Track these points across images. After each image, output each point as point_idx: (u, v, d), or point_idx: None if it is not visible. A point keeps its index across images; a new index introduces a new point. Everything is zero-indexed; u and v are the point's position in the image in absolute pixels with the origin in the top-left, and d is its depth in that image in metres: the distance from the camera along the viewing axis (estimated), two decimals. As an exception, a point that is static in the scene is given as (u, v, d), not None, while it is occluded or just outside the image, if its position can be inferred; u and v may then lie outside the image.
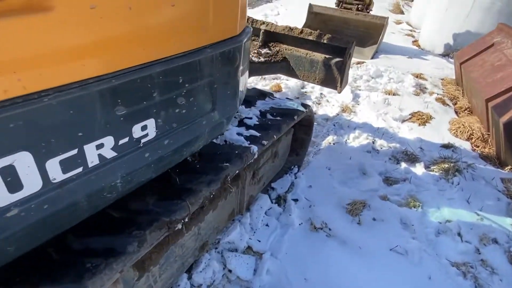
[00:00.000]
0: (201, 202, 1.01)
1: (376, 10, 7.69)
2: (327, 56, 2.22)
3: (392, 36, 5.65)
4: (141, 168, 0.75)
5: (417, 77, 3.77)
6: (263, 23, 2.42)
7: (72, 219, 0.67)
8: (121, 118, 0.63)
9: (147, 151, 0.73)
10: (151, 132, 0.71)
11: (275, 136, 1.43)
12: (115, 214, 0.85)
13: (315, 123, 2.77)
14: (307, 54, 2.27)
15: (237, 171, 1.20)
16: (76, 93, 0.54)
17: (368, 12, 4.69)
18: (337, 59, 2.18)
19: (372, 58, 4.25)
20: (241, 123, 1.44)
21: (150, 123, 0.70)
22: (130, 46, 0.59)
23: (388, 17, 4.35)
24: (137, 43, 0.59)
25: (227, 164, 1.15)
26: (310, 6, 4.83)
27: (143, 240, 0.82)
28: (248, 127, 1.42)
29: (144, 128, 0.69)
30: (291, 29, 2.31)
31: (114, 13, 0.55)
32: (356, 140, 2.51)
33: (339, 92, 2.34)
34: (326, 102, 3.20)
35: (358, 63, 4.08)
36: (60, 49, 0.50)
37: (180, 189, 0.99)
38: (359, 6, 4.54)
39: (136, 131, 0.67)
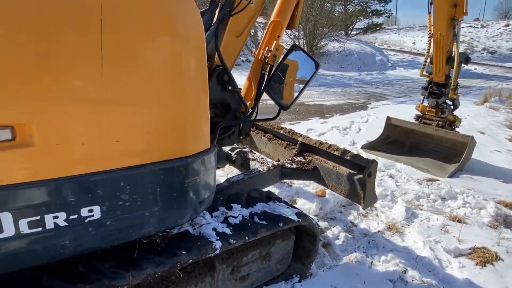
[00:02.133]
0: (144, 277, 1.27)
1: (486, 124, 7.02)
2: (351, 171, 2.32)
3: (496, 155, 5.00)
4: (88, 237, 1.10)
5: (505, 206, 3.19)
6: (301, 135, 2.77)
7: (33, 260, 1.05)
8: (73, 202, 1.03)
9: (91, 226, 1.09)
10: (96, 214, 1.08)
11: (247, 238, 1.60)
12: (78, 268, 1.20)
13: (350, 236, 2.70)
14: (334, 166, 2.43)
15: (190, 261, 1.41)
16: (46, 186, 0.98)
17: (453, 129, 4.43)
18: (359, 176, 2.25)
19: (450, 176, 3.86)
20: (224, 220, 1.69)
21: (96, 208, 1.07)
22: (81, 165, 1.02)
23: (472, 136, 4.02)
24: (85, 163, 1.02)
25: (184, 252, 1.39)
26: (388, 118, 4.94)
27: (80, 292, 1.12)
28: (227, 225, 1.65)
29: (90, 211, 1.07)
30: (321, 143, 2.56)
31: (70, 149, 0.99)
32: (384, 264, 2.28)
33: (364, 209, 2.34)
34: (375, 216, 3.04)
35: (430, 180, 3.77)
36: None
37: (132, 262, 1.28)
38: (440, 122, 4.38)
39: (84, 212, 1.06)
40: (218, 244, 1.50)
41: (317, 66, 1.78)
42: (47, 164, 0.96)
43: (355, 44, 22.56)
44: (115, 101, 1.03)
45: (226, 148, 2.83)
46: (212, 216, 1.70)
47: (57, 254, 1.09)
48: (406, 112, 6.28)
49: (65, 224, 1.04)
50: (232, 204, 1.83)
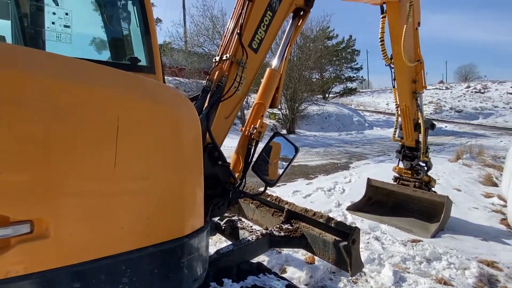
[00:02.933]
0: None
1: (461, 181, 7.40)
2: (336, 238, 2.43)
3: (474, 212, 5.23)
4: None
5: (487, 265, 3.29)
6: (287, 203, 2.91)
7: None
8: (81, 277, 1.10)
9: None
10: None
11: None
12: None
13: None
14: (320, 234, 2.53)
15: None
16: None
17: (430, 189, 4.70)
18: (344, 243, 2.35)
19: (433, 236, 3.99)
20: (214, 294, 1.72)
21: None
22: (90, 252, 1.12)
23: (447, 196, 4.27)
24: (94, 250, 1.13)
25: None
26: (369, 180, 5.20)
27: None
28: (218, 300, 1.68)
29: None
30: (306, 210, 2.70)
31: (81, 238, 1.11)
32: (377, 334, 2.26)
33: (351, 276, 2.38)
34: (364, 282, 3.05)
35: (414, 241, 3.88)
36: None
37: None
38: (416, 183, 4.66)
39: None
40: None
41: (296, 150, 2.03)
42: (60, 253, 1.06)
43: (333, 106, 24.19)
44: (122, 193, 1.18)
45: (215, 218, 2.92)
46: (204, 293, 1.73)
47: None
48: (386, 171, 6.60)
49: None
50: (223, 279, 1.87)
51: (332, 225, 2.45)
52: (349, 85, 30.93)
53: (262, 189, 2.39)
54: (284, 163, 2.09)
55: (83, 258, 1.10)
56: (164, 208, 1.31)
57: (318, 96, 23.31)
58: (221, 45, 2.56)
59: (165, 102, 1.31)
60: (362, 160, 10.64)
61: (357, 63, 30.94)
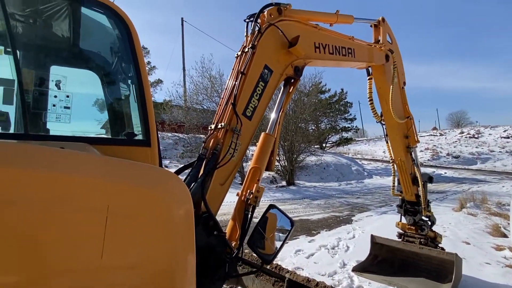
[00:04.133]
0: None
1: (469, 232, 7.15)
2: (342, 312, 2.25)
3: (486, 268, 4.96)
4: None
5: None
6: (288, 271, 2.76)
7: None
8: None
9: None
10: None
11: None
12: None
13: None
14: (324, 306, 2.35)
15: None
16: None
17: (437, 246, 4.51)
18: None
19: (447, 300, 3.72)
20: None
21: None
22: None
23: (456, 254, 4.08)
24: None
25: None
26: (373, 237, 5.01)
27: None
28: None
29: None
30: (309, 280, 2.55)
31: None
32: None
33: None
34: None
35: (427, 306, 3.60)
36: None
37: None
38: (422, 240, 4.49)
39: None
40: None
41: (292, 224, 1.99)
42: None
43: (331, 156, 24.40)
44: (110, 281, 1.12)
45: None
46: None
47: None
48: (390, 224, 6.39)
49: None
50: None
51: (337, 297, 2.29)
52: (345, 135, 31.68)
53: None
54: (281, 234, 2.03)
55: None
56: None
57: (315, 146, 23.67)
58: (216, 114, 2.66)
59: (156, 185, 1.30)
60: (364, 212, 10.39)
61: (350, 114, 32.09)
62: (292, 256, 5.61)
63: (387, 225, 7.18)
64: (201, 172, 2.38)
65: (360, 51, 3.71)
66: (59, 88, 1.83)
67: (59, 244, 1.04)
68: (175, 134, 20.64)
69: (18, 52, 1.64)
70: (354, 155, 32.20)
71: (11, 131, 1.75)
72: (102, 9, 1.74)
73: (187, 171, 2.55)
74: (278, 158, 18.41)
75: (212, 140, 2.49)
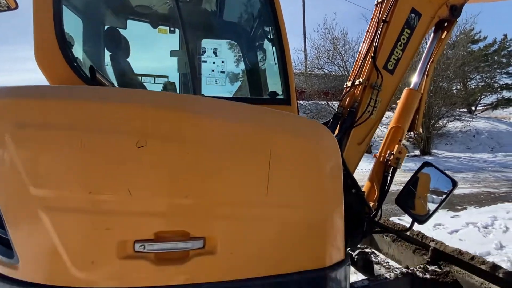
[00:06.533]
0: None
1: None
2: (507, 293, 1.94)
3: None
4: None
5: None
6: (433, 240, 2.53)
7: None
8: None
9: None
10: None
11: None
12: None
13: None
14: (482, 283, 2.10)
15: None
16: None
17: None
18: (521, 301, 1.86)
19: None
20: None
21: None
22: (246, 271, 1.25)
23: None
24: (249, 269, 1.26)
25: None
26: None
27: None
28: None
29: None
30: (461, 252, 2.28)
31: (238, 257, 1.25)
32: None
33: None
34: None
35: None
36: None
37: None
38: None
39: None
40: None
41: (454, 184, 1.75)
42: (222, 268, 1.24)
43: (483, 122, 19.93)
44: (273, 219, 1.29)
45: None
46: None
47: None
48: None
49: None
50: (361, 317, 1.75)
51: (501, 275, 1.96)
52: (506, 94, 24.91)
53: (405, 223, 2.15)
54: (435, 196, 1.84)
55: (240, 275, 1.25)
56: (309, 237, 1.35)
57: (461, 110, 19.69)
58: (353, 70, 2.52)
59: (310, 135, 1.38)
60: (533, 190, 8.24)
61: (516, 67, 24.78)
62: (430, 229, 5.06)
63: None
64: (337, 131, 2.36)
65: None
66: (216, 55, 2.12)
67: (236, 178, 1.25)
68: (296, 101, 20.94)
69: (182, 29, 1.92)
70: (519, 120, 25.22)
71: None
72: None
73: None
74: (410, 124, 16.31)
75: (348, 98, 2.40)
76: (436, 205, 1.80)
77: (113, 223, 1.14)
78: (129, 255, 1.16)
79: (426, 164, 1.94)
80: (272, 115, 1.35)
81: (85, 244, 1.14)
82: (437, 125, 16.75)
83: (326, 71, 18.23)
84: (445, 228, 5.13)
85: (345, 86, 2.51)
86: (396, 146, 2.32)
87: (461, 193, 8.00)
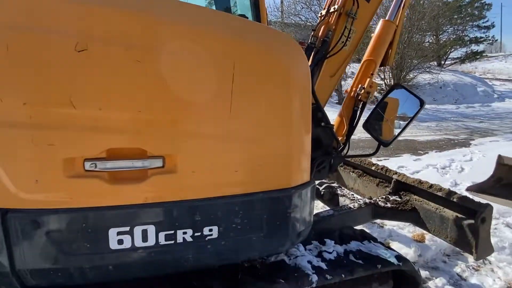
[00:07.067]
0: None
1: None
2: (459, 215, 2.11)
3: None
4: (206, 254, 1.27)
5: None
6: (395, 173, 2.64)
7: (162, 268, 1.26)
8: (199, 221, 1.22)
9: (210, 244, 1.25)
10: (215, 233, 1.24)
11: (343, 276, 1.57)
12: (192, 282, 1.38)
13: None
14: (437, 209, 2.24)
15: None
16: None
17: None
18: (470, 221, 2.02)
19: None
20: (318, 254, 1.69)
21: (215, 228, 1.24)
22: (208, 190, 1.21)
23: None
24: (212, 188, 1.21)
25: (282, 280, 1.45)
26: (500, 157, 4.26)
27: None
28: (322, 259, 1.65)
29: (210, 230, 1.23)
30: (420, 182, 2.40)
31: (201, 176, 1.20)
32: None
33: (476, 260, 2.06)
34: (489, 271, 2.59)
35: None
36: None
37: (238, 283, 1.40)
38: None
39: (206, 230, 1.23)
40: (314, 277, 1.51)
41: (421, 103, 1.74)
42: (184, 187, 1.18)
43: (450, 75, 20.59)
44: (237, 138, 1.22)
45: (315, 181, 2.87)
46: (305, 249, 1.73)
47: (181, 266, 1.27)
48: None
49: (191, 240, 1.22)
50: (325, 239, 1.83)
51: (455, 200, 2.10)
52: (475, 47, 25.57)
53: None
54: (402, 122, 1.84)
55: (202, 195, 1.20)
56: (275, 157, 1.31)
57: (431, 62, 20.08)
58: (328, -3, 2.36)
59: (281, 49, 1.27)
60: (488, 137, 8.88)
61: (487, 20, 25.20)
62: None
63: (520, 151, 5.97)
64: (310, 62, 2.25)
65: None
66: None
67: (194, 93, 1.14)
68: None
69: None
70: (482, 74, 26.33)
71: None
72: None
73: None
74: (382, 76, 16.55)
75: (322, 27, 2.26)
76: (401, 128, 1.81)
77: (56, 138, 1.01)
78: (79, 174, 1.06)
79: (395, 86, 1.92)
80: (240, 23, 1.21)
81: (25, 162, 1.02)
82: (408, 77, 17.10)
83: (303, 17, 17.52)
84: (407, 169, 5.45)
85: (319, 15, 2.36)
86: (368, 80, 2.28)
87: (424, 140, 8.47)
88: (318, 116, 2.15)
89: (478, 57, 25.99)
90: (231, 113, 1.18)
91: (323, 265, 1.59)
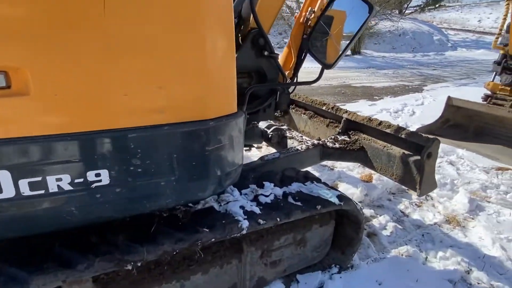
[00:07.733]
0: (160, 253, 1.14)
1: None
2: (406, 152, 2.00)
3: None
4: (97, 205, 0.99)
5: None
6: (346, 111, 2.47)
7: (37, 226, 0.97)
8: (77, 164, 0.91)
9: (99, 193, 0.97)
10: (105, 179, 0.96)
11: (278, 219, 1.40)
12: (90, 239, 1.11)
13: (400, 227, 2.39)
14: (384, 147, 2.12)
15: (213, 240, 1.25)
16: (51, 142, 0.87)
17: (533, 111, 3.73)
18: (416, 158, 1.92)
19: (527, 166, 3.26)
20: (254, 198, 1.50)
21: (104, 172, 0.95)
22: (82, 121, 0.88)
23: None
24: (87, 119, 0.89)
25: (206, 229, 1.24)
26: (449, 98, 4.33)
27: (90, 264, 1.02)
28: (257, 203, 1.46)
29: (98, 175, 0.94)
30: (370, 119, 2.25)
31: (69, 101, 0.86)
32: (442, 261, 1.94)
33: (419, 196, 2.00)
34: (430, 206, 2.66)
35: (500, 169, 3.22)
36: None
37: (149, 237, 1.16)
38: (515, 102, 3.72)
39: (90, 176, 0.94)
40: (245, 223, 1.32)
41: (370, 9, 1.47)
42: (46, 116, 0.84)
43: (409, 23, 20.66)
44: (117, 47, 0.87)
45: (262, 125, 2.64)
46: (241, 194, 1.53)
47: (64, 221, 0.99)
48: (470, 94, 5.49)
49: (70, 188, 0.93)
50: (264, 182, 1.64)
51: (403, 136, 1.98)
52: (435, -4, 25.59)
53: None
54: (345, 42, 1.58)
55: (72, 127, 0.88)
56: (182, 79, 1.00)
57: (392, 10, 19.84)
58: None
59: None
60: (439, 83, 9.18)
61: (448, -33, 24.93)
62: (349, 116, 5.32)
63: (466, 95, 6.20)
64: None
65: None
66: None
67: None
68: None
69: None
70: (439, 23, 26.82)
71: None
72: None
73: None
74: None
75: None
76: (346, 45, 1.56)
77: None
78: None
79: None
80: None
81: None
82: (370, 24, 16.82)
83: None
84: (362, 114, 5.42)
85: None
86: (318, 2, 1.95)
87: (381, 86, 8.53)
88: (260, 43, 1.82)
89: (437, 6, 26.19)
90: (104, 10, 0.82)
91: (256, 210, 1.40)
